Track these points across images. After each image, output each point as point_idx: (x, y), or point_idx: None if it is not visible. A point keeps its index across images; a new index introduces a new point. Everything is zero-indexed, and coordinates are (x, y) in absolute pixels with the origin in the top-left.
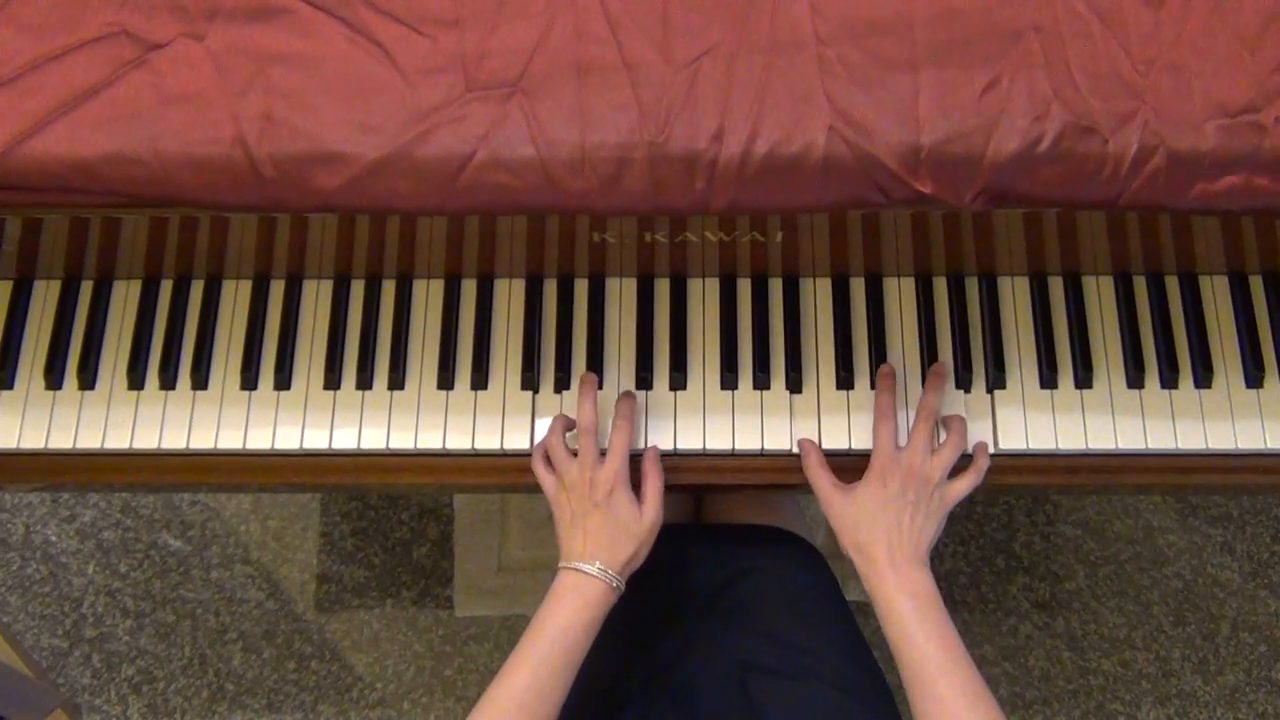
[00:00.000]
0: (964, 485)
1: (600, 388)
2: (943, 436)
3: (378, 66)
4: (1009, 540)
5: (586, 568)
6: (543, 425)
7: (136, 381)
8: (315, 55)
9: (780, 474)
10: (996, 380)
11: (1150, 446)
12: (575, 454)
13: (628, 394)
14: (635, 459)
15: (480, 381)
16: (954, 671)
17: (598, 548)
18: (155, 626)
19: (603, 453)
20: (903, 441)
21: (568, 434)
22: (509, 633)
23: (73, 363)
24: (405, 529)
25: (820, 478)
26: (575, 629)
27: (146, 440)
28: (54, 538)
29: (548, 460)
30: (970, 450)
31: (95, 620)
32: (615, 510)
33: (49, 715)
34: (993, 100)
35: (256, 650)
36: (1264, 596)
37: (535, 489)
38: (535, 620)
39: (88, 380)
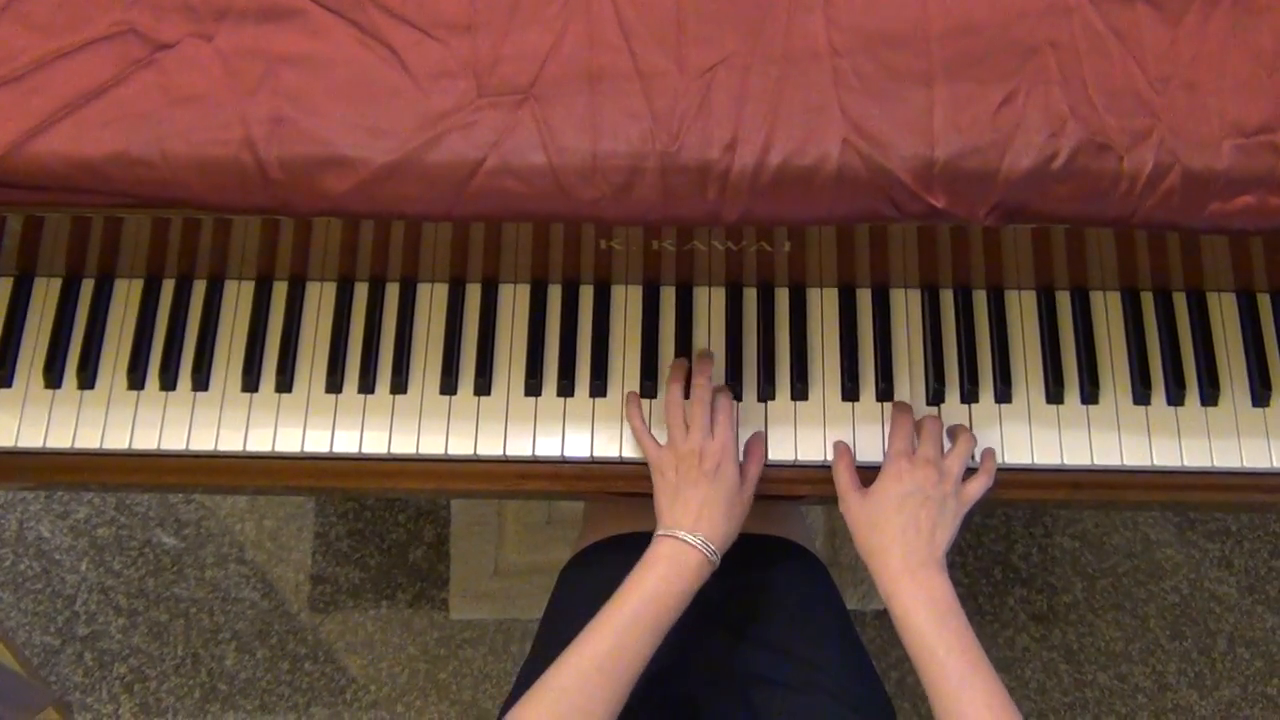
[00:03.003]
0: (977, 485)
1: (604, 395)
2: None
3: (389, 70)
4: (1007, 552)
5: (688, 537)
6: (546, 432)
7: (137, 381)
8: (326, 58)
9: (784, 484)
10: (1003, 394)
11: (1156, 463)
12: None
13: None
14: None
15: (484, 387)
16: (976, 683)
17: (700, 519)
18: (148, 625)
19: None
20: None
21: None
22: (504, 636)
23: (72, 361)
24: (401, 531)
25: (843, 477)
26: (667, 597)
27: (146, 441)
28: (47, 534)
29: (649, 430)
30: (976, 459)
31: (88, 618)
32: (721, 483)
33: (40, 713)
34: (1008, 116)
35: (250, 650)
36: (1261, 612)
37: (535, 496)
38: (625, 584)
39: (87, 379)
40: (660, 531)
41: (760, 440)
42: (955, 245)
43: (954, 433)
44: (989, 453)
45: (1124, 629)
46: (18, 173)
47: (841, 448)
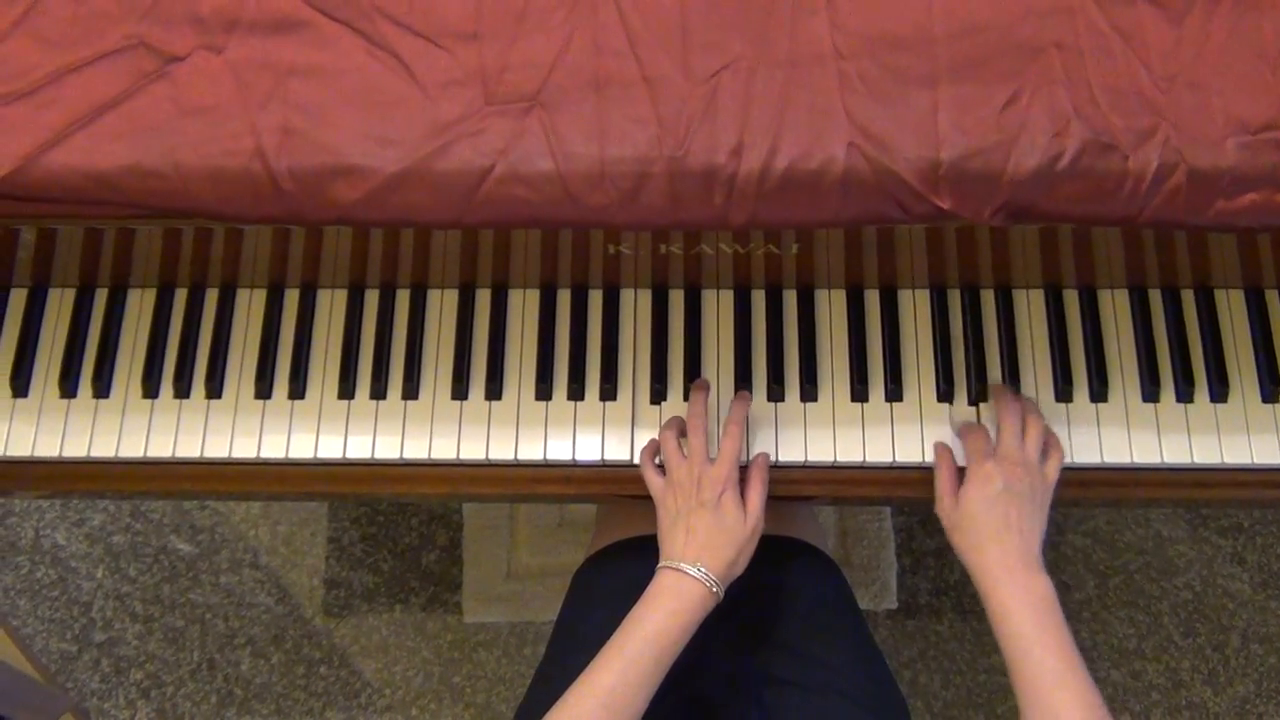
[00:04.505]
0: (1054, 465)
1: (614, 398)
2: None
3: (397, 80)
4: None
5: (688, 569)
6: (558, 435)
7: (151, 390)
8: (334, 68)
9: (796, 485)
10: None
11: (1165, 461)
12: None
13: (741, 396)
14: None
15: (495, 392)
16: (1071, 684)
17: (701, 549)
18: (164, 631)
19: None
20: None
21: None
22: (517, 639)
23: (87, 371)
24: (414, 535)
25: (943, 482)
26: (670, 632)
27: (160, 448)
28: (63, 542)
29: (655, 461)
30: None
31: (104, 624)
32: (721, 512)
33: (58, 719)
34: (1013, 116)
35: (265, 655)
36: (1274, 608)
37: (546, 499)
38: (629, 620)
39: (102, 388)
40: (662, 563)
41: (761, 466)
42: (962, 246)
43: (1024, 408)
44: (1050, 433)
45: (1137, 626)
46: (32, 185)
47: (943, 450)
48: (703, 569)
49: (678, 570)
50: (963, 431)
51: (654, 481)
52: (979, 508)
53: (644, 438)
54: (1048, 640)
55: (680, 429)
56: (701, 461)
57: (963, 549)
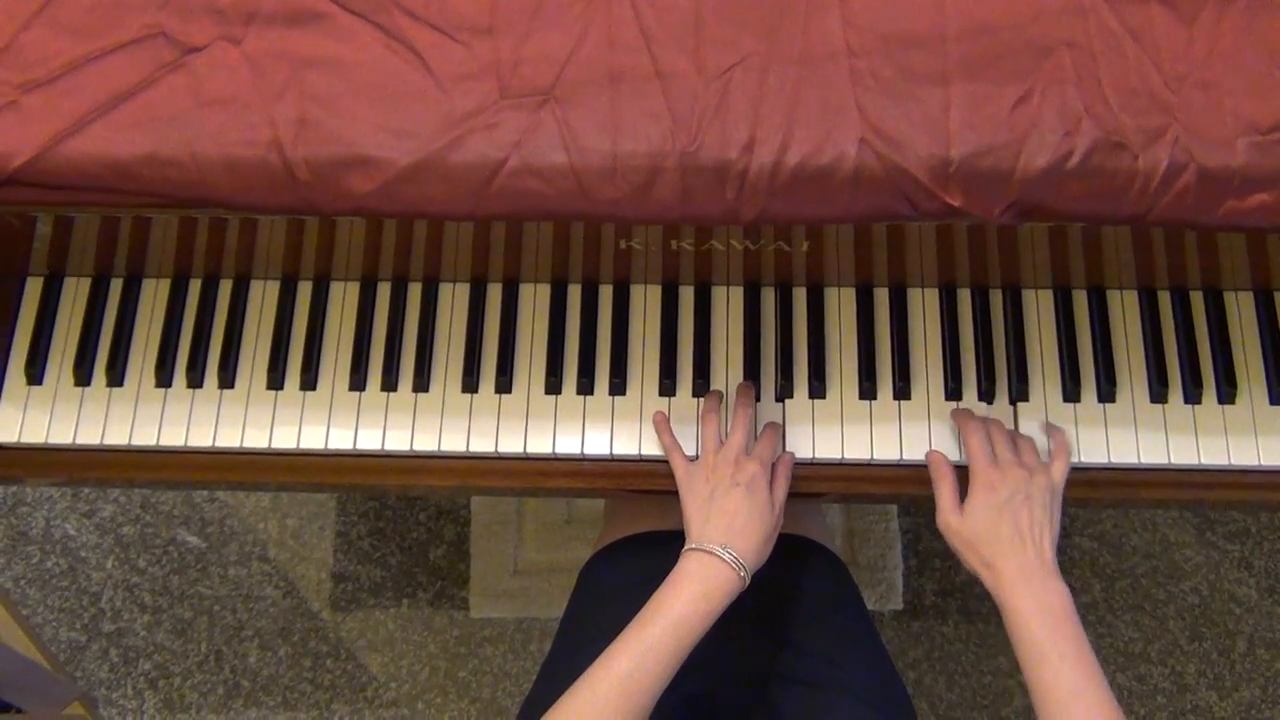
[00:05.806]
0: (1060, 468)
1: (623, 393)
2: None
3: (413, 72)
4: None
5: (719, 551)
6: (566, 430)
7: (164, 379)
8: (351, 60)
9: (804, 482)
10: (1019, 393)
11: (1173, 461)
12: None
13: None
14: None
15: (504, 385)
16: (1089, 695)
17: (729, 532)
18: (172, 622)
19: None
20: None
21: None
22: (524, 635)
23: (101, 360)
24: (422, 530)
25: (946, 498)
26: (692, 619)
27: (173, 438)
28: (73, 532)
29: (679, 446)
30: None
31: (113, 615)
32: (755, 495)
33: (66, 708)
34: (1023, 115)
35: (272, 648)
36: None
37: (554, 493)
38: (652, 603)
39: (116, 377)
40: (690, 545)
41: (787, 463)
42: (972, 244)
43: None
44: (1057, 432)
45: (1143, 630)
46: (50, 173)
47: (941, 462)
48: (734, 554)
49: (709, 553)
50: (962, 426)
51: (681, 464)
52: (989, 518)
53: (653, 433)
54: (1065, 650)
55: (718, 417)
56: (740, 447)
57: (978, 564)
